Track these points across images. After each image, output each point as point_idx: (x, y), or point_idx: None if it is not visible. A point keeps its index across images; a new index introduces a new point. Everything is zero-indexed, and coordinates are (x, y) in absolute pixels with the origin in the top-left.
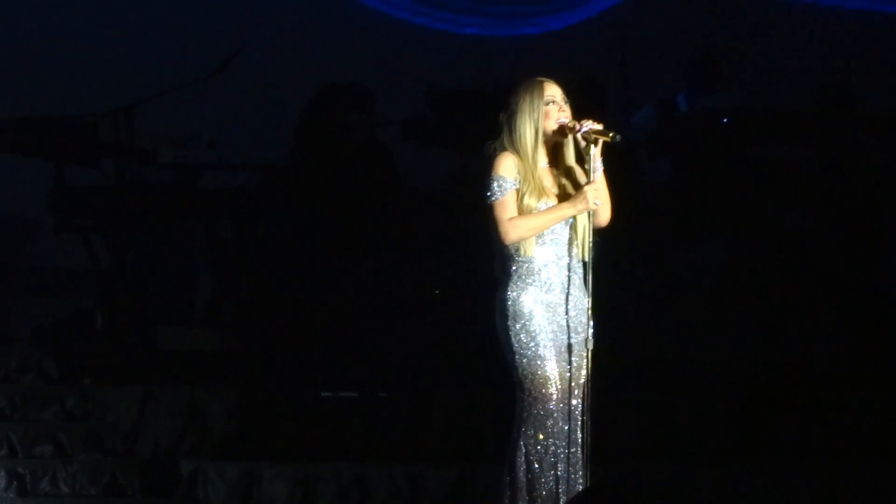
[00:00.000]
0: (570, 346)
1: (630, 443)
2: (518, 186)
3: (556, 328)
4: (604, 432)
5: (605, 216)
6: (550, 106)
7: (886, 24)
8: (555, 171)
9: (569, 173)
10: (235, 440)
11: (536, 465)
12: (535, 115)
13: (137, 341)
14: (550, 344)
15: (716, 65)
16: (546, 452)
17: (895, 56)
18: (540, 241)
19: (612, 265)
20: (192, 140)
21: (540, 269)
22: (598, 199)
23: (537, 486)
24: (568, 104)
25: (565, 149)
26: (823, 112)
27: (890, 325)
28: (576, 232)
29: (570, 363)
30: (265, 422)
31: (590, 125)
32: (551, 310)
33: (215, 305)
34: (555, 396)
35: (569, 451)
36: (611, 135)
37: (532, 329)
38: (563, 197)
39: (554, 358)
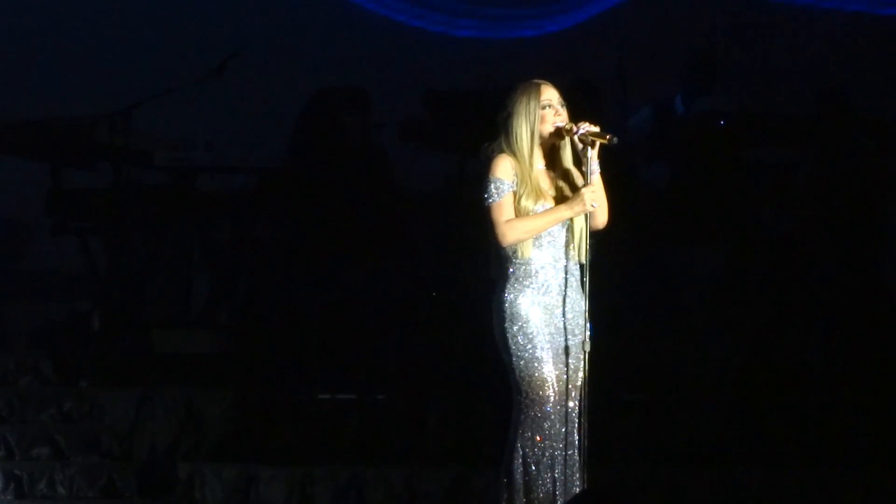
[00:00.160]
0: (567, 348)
1: (627, 445)
2: (515, 188)
3: (553, 330)
4: (601, 434)
5: (601, 218)
6: (547, 110)
7: (884, 26)
8: (552, 174)
9: (566, 175)
10: (232, 442)
11: (533, 468)
12: (532, 118)
13: (134, 343)
14: (547, 346)
15: (712, 67)
16: (543, 455)
17: (893, 59)
18: (537, 243)
19: (608, 267)
20: (188, 142)
21: (537, 271)
22: (594, 202)
23: (534, 489)
24: (565, 107)
25: (562, 151)
26: (820, 115)
27: (885, 327)
28: (573, 234)
29: (567, 365)
30: (262, 424)
31: (587, 127)
32: (548, 312)
33: (212, 307)
34: (552, 398)
35: (566, 454)
36: (607, 137)
37: (529, 331)
38: (560, 199)
39: (551, 360)
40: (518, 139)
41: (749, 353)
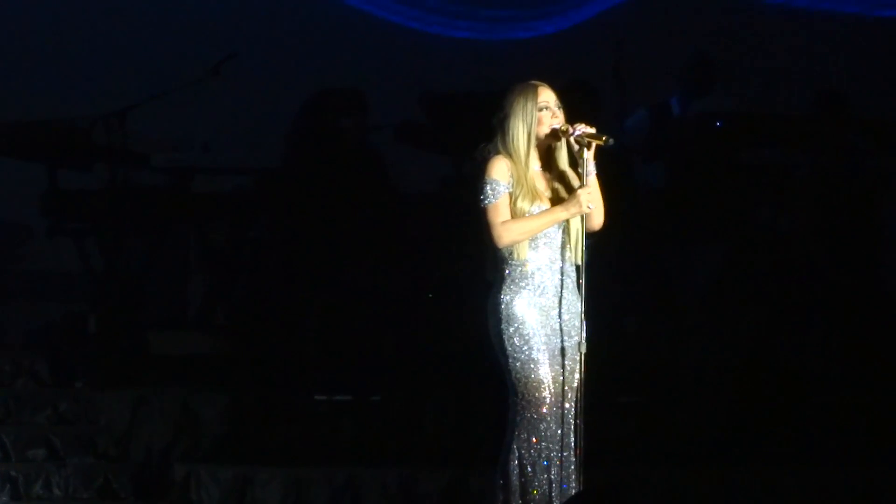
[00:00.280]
0: (563, 350)
1: (623, 446)
2: (511, 190)
3: (549, 332)
4: (597, 436)
5: (598, 220)
6: (544, 111)
7: (881, 28)
8: (548, 175)
9: (562, 177)
10: (228, 444)
11: (529, 469)
12: (529, 119)
13: (130, 345)
14: (544, 347)
15: (709, 68)
16: (539, 456)
17: (890, 60)
18: (533, 244)
19: (605, 269)
20: (185, 143)
21: (533, 273)
22: (591, 203)
23: (530, 490)
24: (561, 109)
25: (558, 152)
26: (817, 116)
27: (883, 328)
28: (569, 235)
29: (563, 367)
30: (258, 425)
31: (583, 128)
32: (544, 313)
33: (208, 309)
34: (548, 400)
35: (562, 455)
36: (604, 138)
37: (525, 332)
38: (556, 200)
39: (547, 361)
40: (514, 140)
41: (747, 353)
